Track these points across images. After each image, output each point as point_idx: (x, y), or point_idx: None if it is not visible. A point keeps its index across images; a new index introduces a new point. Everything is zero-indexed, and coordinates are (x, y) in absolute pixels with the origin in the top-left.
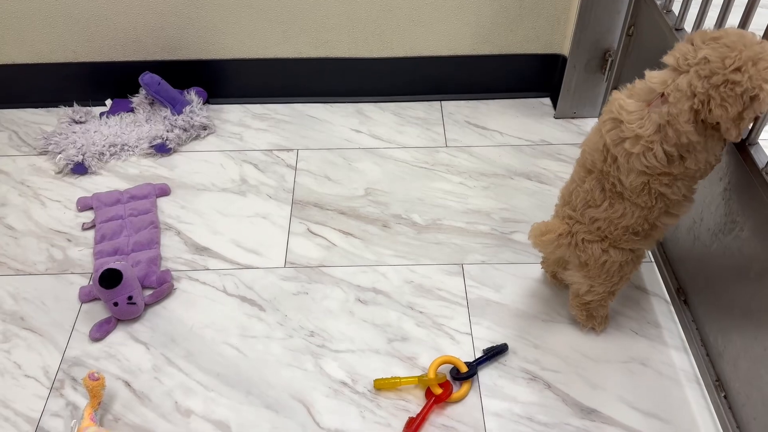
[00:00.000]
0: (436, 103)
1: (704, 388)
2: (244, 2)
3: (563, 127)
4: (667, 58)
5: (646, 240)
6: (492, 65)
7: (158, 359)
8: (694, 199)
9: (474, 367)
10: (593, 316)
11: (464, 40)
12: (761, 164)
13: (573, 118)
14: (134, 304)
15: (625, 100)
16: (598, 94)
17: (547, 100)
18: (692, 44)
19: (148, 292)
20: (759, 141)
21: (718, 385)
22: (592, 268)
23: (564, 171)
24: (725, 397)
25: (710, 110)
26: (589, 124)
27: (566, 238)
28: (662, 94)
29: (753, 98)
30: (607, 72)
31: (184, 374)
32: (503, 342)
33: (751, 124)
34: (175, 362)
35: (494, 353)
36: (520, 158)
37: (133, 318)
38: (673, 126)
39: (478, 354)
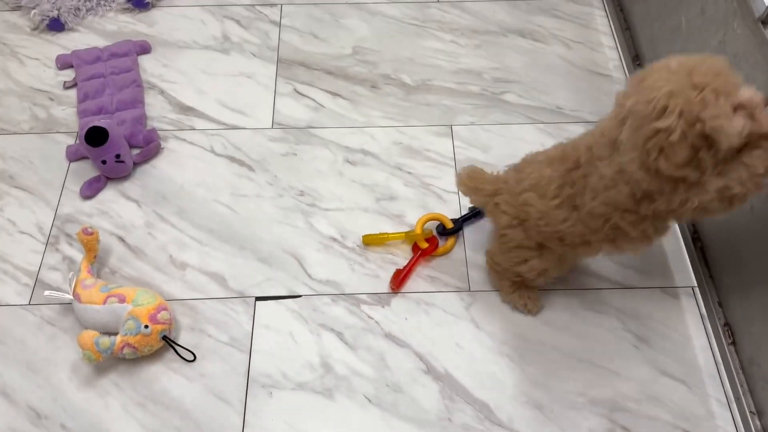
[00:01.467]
0: None
1: (682, 241)
2: None
3: None
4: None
5: (569, 249)
6: None
7: (150, 216)
8: (653, 241)
9: (460, 223)
10: (515, 295)
11: None
12: (758, 13)
13: None
14: (122, 162)
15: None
16: None
17: None
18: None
19: (136, 152)
20: None
21: (696, 238)
22: (498, 242)
23: (559, 28)
24: (701, 249)
25: (656, 162)
26: None
27: (486, 197)
28: None
29: (706, 136)
30: None
31: (177, 230)
32: None
33: None
34: (168, 219)
35: (480, 210)
36: (514, 14)
37: (123, 176)
38: (627, 173)
39: (465, 212)
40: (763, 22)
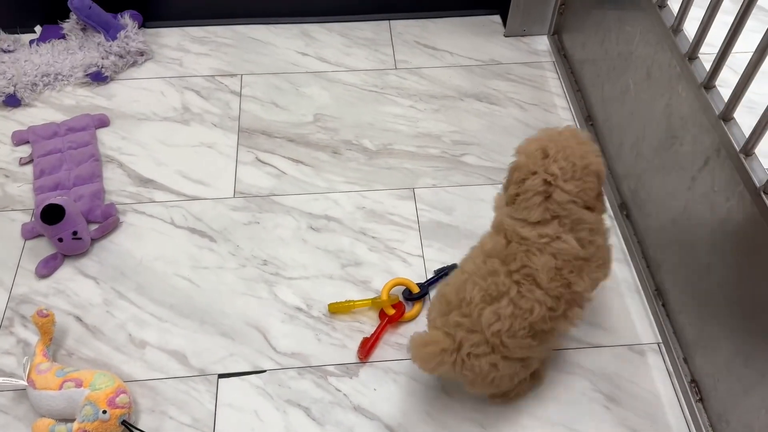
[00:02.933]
0: (385, 23)
1: (644, 297)
2: None
3: (513, 45)
4: None
5: (540, 347)
6: None
7: (109, 293)
8: (569, 323)
9: (425, 287)
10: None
11: None
12: (700, 78)
13: (523, 35)
14: (80, 239)
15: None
16: (547, 10)
17: (497, 18)
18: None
19: (94, 227)
20: (699, 55)
21: (657, 294)
22: (479, 385)
23: (513, 91)
24: (663, 305)
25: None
26: (538, 41)
27: (450, 355)
28: None
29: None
30: None
31: (136, 307)
32: (453, 262)
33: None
34: (126, 295)
35: (445, 273)
36: (470, 79)
37: (80, 253)
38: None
39: (430, 275)
40: (706, 87)
